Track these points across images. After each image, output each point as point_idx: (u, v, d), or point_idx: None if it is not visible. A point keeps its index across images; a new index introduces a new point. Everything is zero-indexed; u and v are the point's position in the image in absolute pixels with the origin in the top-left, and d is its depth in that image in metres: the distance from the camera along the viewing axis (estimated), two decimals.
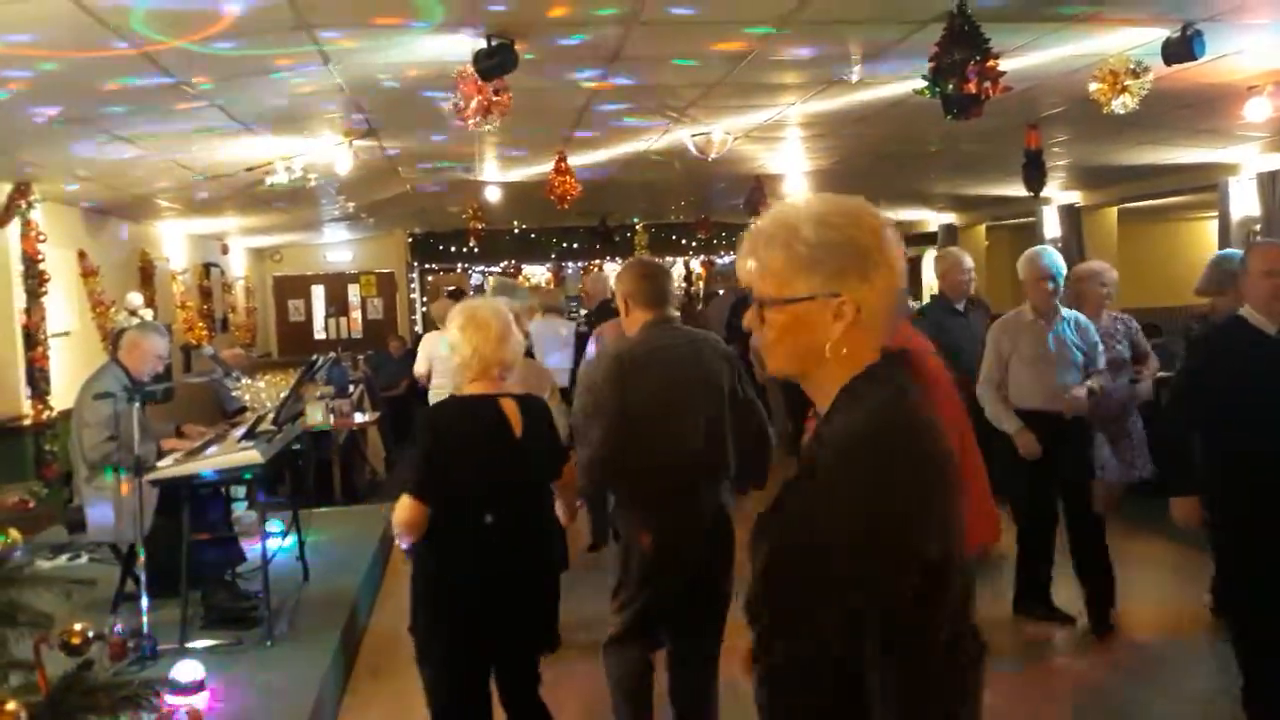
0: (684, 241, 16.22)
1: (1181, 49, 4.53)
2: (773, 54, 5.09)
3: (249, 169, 7.35)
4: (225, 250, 12.98)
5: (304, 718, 3.87)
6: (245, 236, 13.42)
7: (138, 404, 4.66)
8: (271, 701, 4.02)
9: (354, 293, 15.85)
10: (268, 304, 15.52)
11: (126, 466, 4.70)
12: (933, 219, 14.02)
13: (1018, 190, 8.00)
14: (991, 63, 4.12)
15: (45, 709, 2.16)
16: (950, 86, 4.08)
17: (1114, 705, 4.21)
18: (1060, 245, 11.05)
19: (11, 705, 2.08)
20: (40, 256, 7.24)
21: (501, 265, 16.33)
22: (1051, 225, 11.29)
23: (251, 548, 5.25)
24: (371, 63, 5.03)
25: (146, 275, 9.76)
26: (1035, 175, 7.01)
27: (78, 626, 2.31)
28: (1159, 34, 4.58)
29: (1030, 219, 11.63)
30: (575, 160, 7.89)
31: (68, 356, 7.63)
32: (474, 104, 4.68)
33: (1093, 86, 5.00)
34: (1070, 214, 11.03)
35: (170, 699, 3.35)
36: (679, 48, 5.04)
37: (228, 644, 4.61)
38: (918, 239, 14.41)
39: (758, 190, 9.70)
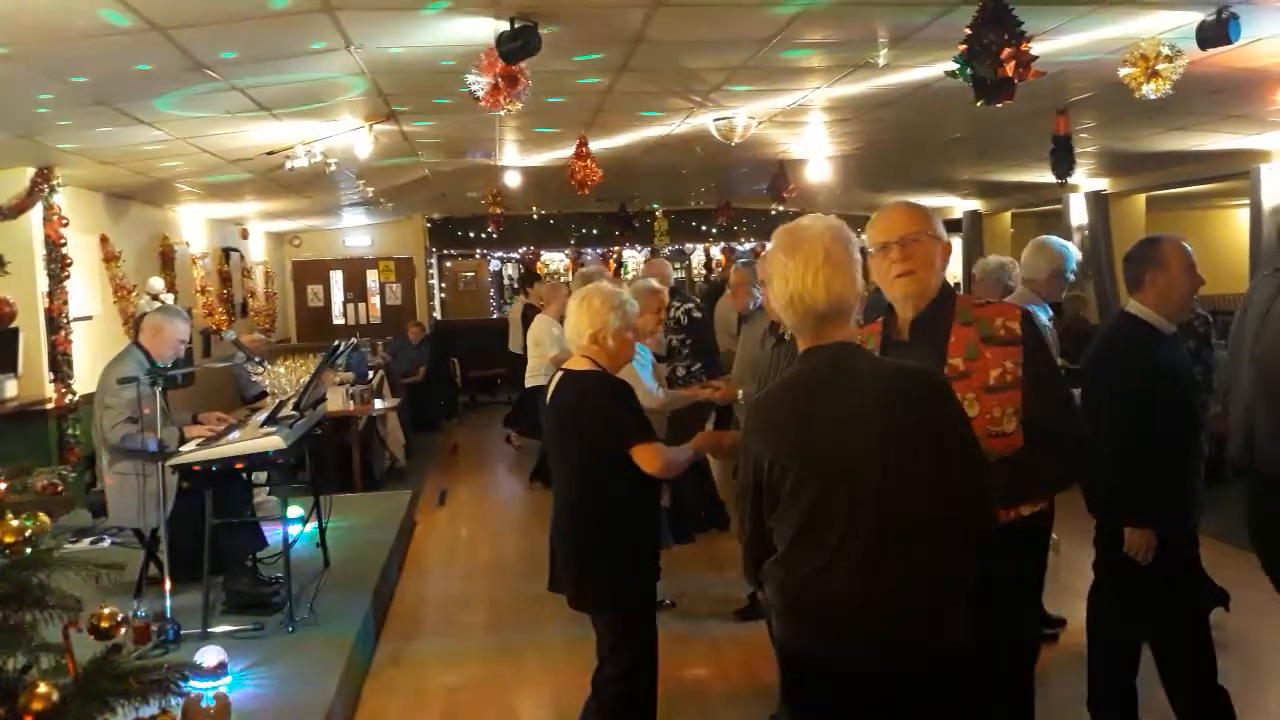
0: (704, 228, 16.11)
1: (1217, 32, 4.43)
2: (798, 37, 5.03)
3: (269, 153, 7.34)
4: (245, 235, 12.99)
5: (326, 703, 3.87)
6: (265, 221, 13.43)
7: (159, 388, 4.68)
8: (294, 687, 4.03)
9: (373, 278, 15.84)
10: (287, 289, 15.53)
11: (148, 450, 4.71)
12: (958, 205, 13.89)
13: (1044, 176, 7.89)
14: (1025, 46, 4.04)
15: (75, 692, 2.16)
16: (983, 69, 4.00)
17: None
18: (1087, 233, 10.93)
19: (43, 688, 2.07)
20: (63, 241, 7.27)
21: (520, 251, 16.28)
22: (1078, 212, 11.15)
23: (272, 533, 5.26)
24: (394, 46, 4.99)
25: (167, 260, 9.79)
26: (1063, 161, 6.90)
27: (107, 610, 2.30)
28: (1193, 17, 4.49)
29: (1057, 206, 11.50)
30: (596, 145, 7.83)
31: (90, 341, 7.66)
32: (496, 87, 4.63)
33: (1123, 71, 4.90)
34: (1098, 201, 10.88)
35: (195, 683, 3.35)
36: (703, 31, 4.98)
37: (249, 629, 4.62)
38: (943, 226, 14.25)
39: (781, 176, 9.63)
